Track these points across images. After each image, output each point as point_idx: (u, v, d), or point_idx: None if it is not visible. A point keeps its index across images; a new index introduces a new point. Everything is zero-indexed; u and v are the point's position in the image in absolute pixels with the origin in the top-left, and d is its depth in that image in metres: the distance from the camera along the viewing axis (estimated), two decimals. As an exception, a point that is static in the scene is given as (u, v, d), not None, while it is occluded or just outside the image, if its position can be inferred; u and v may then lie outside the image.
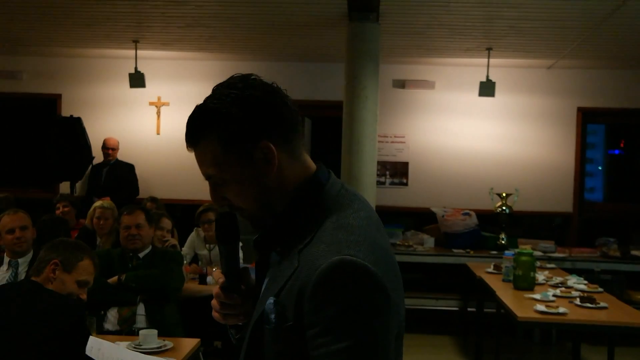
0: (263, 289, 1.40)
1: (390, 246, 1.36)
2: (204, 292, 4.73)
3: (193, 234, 5.84)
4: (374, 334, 1.18)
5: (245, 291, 1.48)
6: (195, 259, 5.76)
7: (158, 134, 8.15)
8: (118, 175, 7.58)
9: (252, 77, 1.38)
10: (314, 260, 1.22)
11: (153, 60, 7.95)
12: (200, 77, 8.11)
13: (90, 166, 7.60)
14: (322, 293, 1.18)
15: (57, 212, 5.77)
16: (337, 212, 1.31)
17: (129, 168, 7.75)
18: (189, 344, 3.41)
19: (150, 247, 4.16)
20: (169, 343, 3.28)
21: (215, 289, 1.49)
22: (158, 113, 8.15)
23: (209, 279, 4.98)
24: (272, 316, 1.26)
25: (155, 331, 3.27)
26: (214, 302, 1.49)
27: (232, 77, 1.38)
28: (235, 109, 1.32)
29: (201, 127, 1.35)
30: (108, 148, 7.69)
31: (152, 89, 7.96)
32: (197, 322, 4.44)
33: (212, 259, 5.66)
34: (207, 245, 5.71)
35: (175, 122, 8.12)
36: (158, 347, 3.20)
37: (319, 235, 1.27)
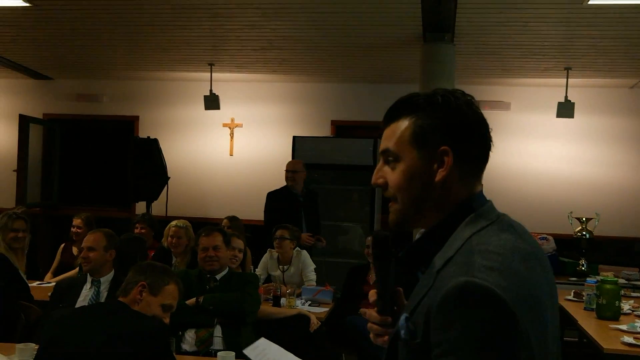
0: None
1: (545, 281, 1.32)
2: (278, 315, 4.73)
3: (266, 255, 5.85)
4: (496, 358, 1.16)
5: (398, 313, 1.48)
6: (268, 280, 5.76)
7: (231, 155, 8.26)
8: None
9: (471, 98, 1.42)
10: (444, 280, 1.23)
11: (227, 82, 8.09)
12: (273, 99, 8.21)
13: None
14: (446, 314, 1.18)
15: (136, 231, 5.91)
16: (480, 238, 1.29)
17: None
18: (265, 367, 3.39)
19: (227, 269, 4.18)
20: (246, 366, 3.27)
21: (368, 312, 1.51)
22: (231, 134, 8.27)
23: (282, 300, 4.98)
24: (402, 332, 1.28)
25: (233, 353, 3.27)
26: (369, 324, 1.51)
27: (454, 89, 1.44)
28: (442, 110, 1.37)
29: (405, 108, 1.42)
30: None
31: (226, 111, 8.09)
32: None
33: (285, 279, 5.65)
34: (280, 267, 5.71)
35: (247, 143, 8.23)
36: (235, 370, 3.20)
37: (456, 258, 1.27)
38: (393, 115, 1.44)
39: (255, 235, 7.24)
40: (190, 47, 6.68)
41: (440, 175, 1.34)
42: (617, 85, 7.39)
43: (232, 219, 6.13)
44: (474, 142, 1.38)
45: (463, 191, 1.37)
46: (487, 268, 1.20)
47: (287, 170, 6.52)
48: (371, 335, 1.51)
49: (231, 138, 8.28)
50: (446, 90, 1.40)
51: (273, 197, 6.53)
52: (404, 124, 1.40)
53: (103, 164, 8.79)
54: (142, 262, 3.03)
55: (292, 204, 6.39)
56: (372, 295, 1.49)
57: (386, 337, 1.47)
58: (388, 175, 1.41)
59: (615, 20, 5.26)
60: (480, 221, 1.33)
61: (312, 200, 6.61)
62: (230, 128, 8.28)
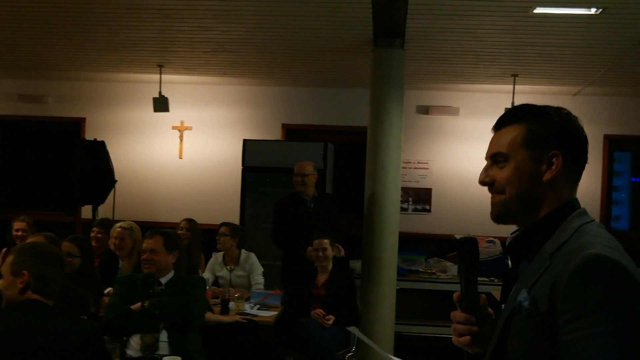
0: (512, 292, 1.51)
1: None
2: (226, 320, 4.68)
3: (212, 258, 5.82)
4: (632, 322, 1.27)
5: (480, 317, 1.61)
6: (217, 283, 5.71)
7: (180, 158, 8.17)
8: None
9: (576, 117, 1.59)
10: (568, 255, 1.36)
11: (177, 84, 8.00)
12: (224, 102, 8.15)
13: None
14: (578, 282, 1.30)
15: (92, 234, 5.73)
16: (591, 228, 1.45)
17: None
18: (212, 372, 3.35)
19: (172, 273, 4.11)
20: (192, 371, 3.22)
21: (453, 313, 1.62)
22: (181, 137, 8.18)
23: (231, 304, 4.93)
24: (526, 303, 1.38)
25: (179, 358, 3.23)
26: (453, 326, 1.62)
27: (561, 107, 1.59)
28: (554, 119, 1.53)
29: (521, 114, 1.58)
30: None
31: (176, 113, 7.99)
32: (220, 349, 4.40)
33: (232, 280, 5.62)
34: (226, 267, 5.68)
35: (197, 146, 8.15)
36: (181, 375, 3.15)
37: (572, 241, 1.41)
38: (505, 121, 1.60)
39: (205, 239, 7.18)
40: (139, 48, 6.57)
41: (548, 175, 1.50)
42: (562, 93, 7.57)
43: (190, 222, 6.04)
44: (580, 151, 1.55)
45: (566, 193, 1.53)
46: (609, 247, 1.36)
47: (295, 174, 5.82)
48: (453, 338, 1.62)
49: (181, 141, 8.18)
50: (560, 108, 1.56)
51: (280, 206, 5.88)
52: (516, 129, 1.55)
53: (47, 166, 8.56)
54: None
55: (300, 212, 5.74)
56: (456, 296, 1.61)
57: (468, 337, 1.59)
58: (496, 174, 1.56)
59: (560, 29, 5.39)
60: (585, 217, 1.50)
61: (324, 205, 5.89)
62: (179, 131, 8.19)
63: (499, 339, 1.46)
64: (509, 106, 7.06)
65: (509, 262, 1.60)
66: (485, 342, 1.56)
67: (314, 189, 5.85)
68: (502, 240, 7.13)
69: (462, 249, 1.62)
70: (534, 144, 1.52)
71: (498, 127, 1.62)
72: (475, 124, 7.83)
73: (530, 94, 7.58)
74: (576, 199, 1.55)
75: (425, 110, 7.88)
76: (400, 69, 5.99)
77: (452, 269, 7.04)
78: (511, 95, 7.14)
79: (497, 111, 7.71)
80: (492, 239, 7.08)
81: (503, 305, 1.56)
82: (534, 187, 1.51)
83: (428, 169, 7.86)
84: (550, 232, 1.47)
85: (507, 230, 6.20)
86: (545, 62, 6.36)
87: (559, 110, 1.55)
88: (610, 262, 1.31)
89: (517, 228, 1.59)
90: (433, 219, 7.81)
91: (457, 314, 1.61)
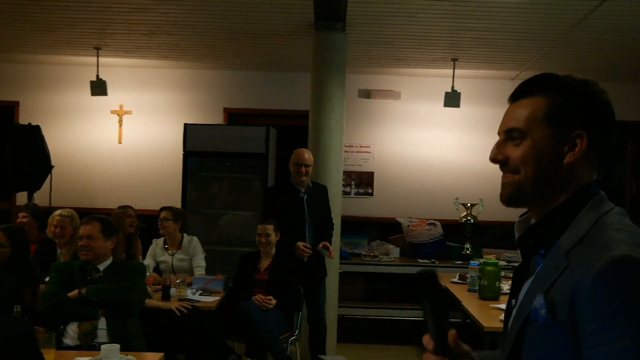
0: (525, 291, 1.37)
1: None
2: (167, 307, 4.63)
3: (153, 244, 5.74)
4: None
5: (453, 355, 1.44)
6: (157, 270, 5.64)
7: (120, 142, 8.00)
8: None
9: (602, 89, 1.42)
10: (590, 255, 1.21)
11: (115, 67, 7.82)
12: (164, 86, 8.01)
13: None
14: (603, 289, 1.16)
15: (17, 220, 5.59)
16: (612, 218, 1.31)
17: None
18: (152, 358, 3.32)
19: (111, 259, 4.03)
20: (131, 358, 3.18)
21: (424, 355, 1.45)
22: (120, 122, 8.00)
23: (172, 290, 4.88)
24: (543, 311, 1.24)
25: (117, 346, 3.17)
26: None
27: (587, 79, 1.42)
28: (582, 93, 1.36)
29: (543, 85, 1.39)
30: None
31: (114, 97, 7.81)
32: (161, 336, 4.34)
33: (174, 265, 5.56)
34: (168, 252, 5.62)
35: (137, 131, 8.00)
36: (120, 363, 3.10)
37: (593, 236, 1.27)
38: (524, 91, 1.41)
39: (146, 225, 7.07)
40: (75, 29, 6.38)
41: (570, 157, 1.34)
42: (500, 77, 7.72)
43: (131, 208, 5.90)
44: (607, 131, 1.37)
45: (585, 177, 1.37)
46: (634, 244, 1.20)
47: (297, 164, 5.32)
48: None
49: (120, 125, 8.01)
50: (591, 80, 1.38)
51: (271, 195, 5.55)
52: (537, 102, 1.38)
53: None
54: None
55: (292, 204, 5.37)
56: (426, 340, 1.44)
57: None
58: (510, 151, 1.40)
59: (498, 14, 5.47)
60: (604, 205, 1.35)
61: (317, 196, 5.49)
62: (118, 115, 8.01)
63: (512, 346, 1.33)
64: (449, 90, 7.19)
65: (519, 255, 1.46)
66: None
67: (309, 180, 5.47)
68: (443, 222, 7.26)
69: (422, 284, 1.44)
70: (556, 121, 1.35)
71: (515, 97, 1.43)
72: (417, 108, 7.92)
73: (470, 78, 7.71)
74: (595, 183, 1.39)
75: (367, 94, 7.92)
76: (342, 52, 6.00)
77: (394, 251, 7.13)
78: (451, 79, 7.24)
79: (438, 95, 7.89)
80: (433, 221, 7.20)
81: (513, 301, 1.43)
82: (553, 169, 1.35)
83: (370, 152, 7.91)
84: (566, 223, 1.33)
85: (447, 212, 6.36)
86: (484, 46, 6.47)
87: (586, 83, 1.37)
88: (638, 264, 1.16)
89: (526, 210, 1.46)
90: (375, 202, 7.88)
91: (429, 357, 1.45)
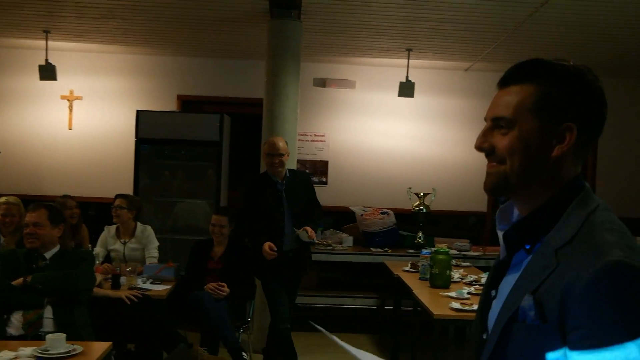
0: (511, 288, 1.33)
1: None
2: (117, 295, 4.57)
3: (104, 232, 5.63)
4: None
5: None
6: (108, 259, 5.54)
7: (70, 129, 7.83)
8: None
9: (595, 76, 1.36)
10: (582, 258, 1.18)
11: (65, 52, 7.64)
12: (116, 71, 7.87)
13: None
14: (597, 294, 1.13)
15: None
16: (601, 216, 1.27)
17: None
18: (100, 347, 3.26)
19: (58, 247, 3.95)
20: (78, 347, 3.12)
21: None
22: (70, 107, 7.83)
23: (122, 279, 4.81)
24: (532, 313, 1.21)
25: (64, 335, 3.11)
26: None
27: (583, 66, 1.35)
28: (575, 82, 1.31)
29: (533, 71, 1.33)
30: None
31: (64, 82, 7.64)
32: (110, 325, 4.28)
33: (126, 254, 5.47)
34: (120, 240, 5.53)
35: (88, 117, 7.84)
36: (66, 352, 3.04)
37: (584, 236, 1.23)
38: (514, 77, 1.35)
39: (98, 213, 6.97)
40: (22, 11, 6.19)
41: (558, 151, 1.30)
42: (454, 68, 7.80)
43: (70, 197, 5.77)
44: (598, 124, 1.33)
45: (571, 170, 1.34)
46: (627, 246, 1.18)
47: (269, 155, 4.92)
48: None
49: (70, 111, 7.83)
50: (585, 67, 1.32)
51: (248, 188, 5.06)
52: (527, 90, 1.32)
53: None
54: None
55: (267, 197, 4.93)
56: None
57: None
58: (497, 140, 1.35)
59: (453, 6, 5.51)
60: (591, 201, 1.31)
61: (296, 186, 5.03)
62: (69, 100, 7.83)
63: (496, 344, 1.29)
64: (404, 80, 7.23)
65: (501, 249, 1.41)
66: None
67: (286, 169, 5.02)
68: (396, 211, 7.32)
69: None
70: (545, 112, 1.30)
71: (504, 83, 1.37)
72: (372, 97, 7.95)
73: (424, 68, 7.77)
74: (581, 176, 1.36)
75: (322, 82, 7.91)
76: (297, 40, 5.97)
77: (348, 240, 7.16)
78: (405, 69, 7.29)
79: (392, 85, 7.92)
80: (386, 210, 7.25)
81: (493, 292, 1.41)
82: (539, 162, 1.31)
83: (325, 141, 7.92)
84: (553, 219, 1.30)
85: (400, 202, 6.39)
86: (438, 37, 6.51)
87: (578, 70, 1.31)
88: (632, 270, 1.14)
89: (506, 199, 1.42)
90: (330, 191, 7.89)
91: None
